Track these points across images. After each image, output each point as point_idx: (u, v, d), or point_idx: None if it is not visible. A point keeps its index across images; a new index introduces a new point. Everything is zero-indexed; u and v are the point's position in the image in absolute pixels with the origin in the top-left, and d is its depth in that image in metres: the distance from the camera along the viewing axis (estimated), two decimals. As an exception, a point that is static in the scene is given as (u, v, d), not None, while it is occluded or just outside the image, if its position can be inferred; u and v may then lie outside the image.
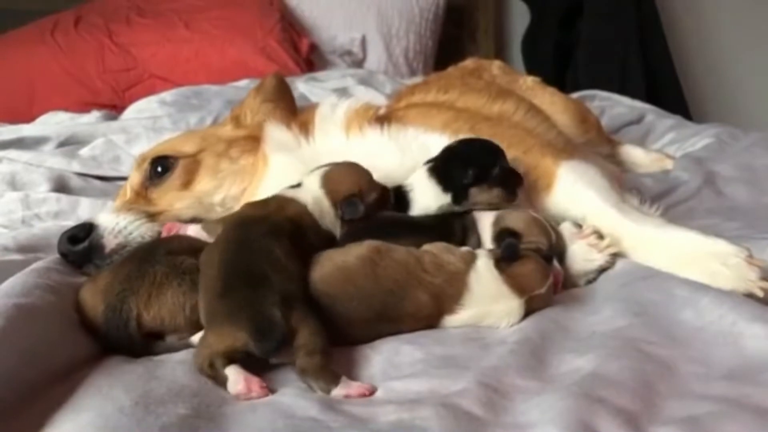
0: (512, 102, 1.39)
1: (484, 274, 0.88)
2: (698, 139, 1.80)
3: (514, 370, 0.73)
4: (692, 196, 1.43)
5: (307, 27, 2.79)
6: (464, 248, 0.93)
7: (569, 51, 3.10)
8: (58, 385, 0.71)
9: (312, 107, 1.26)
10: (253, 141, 1.17)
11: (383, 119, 1.19)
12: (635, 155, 1.80)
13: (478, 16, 3.29)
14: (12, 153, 1.61)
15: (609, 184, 1.12)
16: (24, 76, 2.37)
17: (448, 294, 0.87)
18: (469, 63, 1.84)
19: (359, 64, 2.76)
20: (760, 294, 0.88)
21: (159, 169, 1.12)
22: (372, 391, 0.72)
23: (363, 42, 2.80)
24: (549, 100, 1.68)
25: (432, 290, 0.86)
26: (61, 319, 0.80)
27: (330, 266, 0.87)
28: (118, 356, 0.80)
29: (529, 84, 1.75)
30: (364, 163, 1.02)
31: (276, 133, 1.16)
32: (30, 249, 1.09)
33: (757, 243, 1.01)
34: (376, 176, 1.01)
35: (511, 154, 1.06)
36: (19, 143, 1.70)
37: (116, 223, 1.02)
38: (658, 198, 1.44)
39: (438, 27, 2.97)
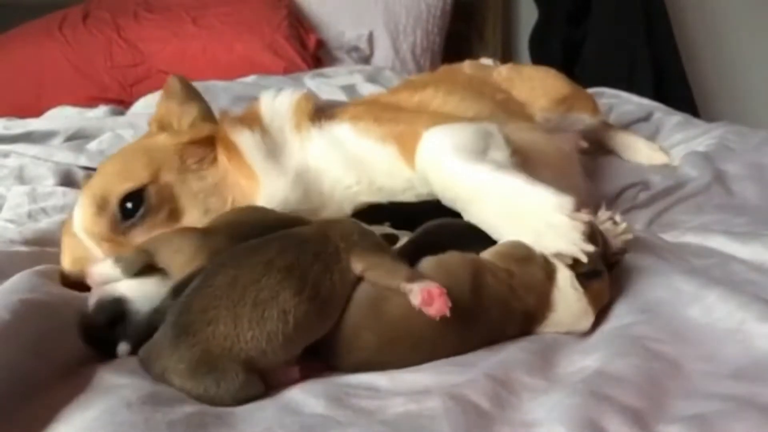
0: (430, 90, 1.33)
1: (567, 293, 0.79)
2: (707, 137, 1.79)
3: (521, 366, 0.73)
4: (701, 192, 1.42)
5: (314, 23, 2.79)
6: (540, 253, 0.82)
7: (577, 48, 3.09)
8: (66, 379, 0.71)
9: (251, 108, 1.18)
10: (198, 146, 1.04)
11: (321, 116, 1.13)
12: (632, 141, 1.77)
13: (486, 12, 3.28)
14: (20, 147, 1.61)
15: (479, 138, 1.01)
16: (32, 71, 2.38)
17: (534, 317, 0.79)
18: (441, 69, 1.84)
19: (366, 60, 2.76)
20: (584, 259, 0.80)
21: (129, 206, 0.93)
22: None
23: (370, 38, 2.80)
24: (528, 86, 1.62)
25: (522, 320, 0.79)
26: (68, 313, 0.80)
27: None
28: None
29: (504, 75, 1.68)
30: (318, 166, 1.04)
31: (249, 140, 1.06)
32: (35, 243, 1.09)
33: (765, 239, 1.01)
34: (328, 178, 1.04)
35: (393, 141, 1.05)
36: (27, 137, 1.71)
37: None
38: (666, 193, 1.43)
39: (445, 23, 2.96)
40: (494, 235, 0.89)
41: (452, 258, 0.79)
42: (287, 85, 2.04)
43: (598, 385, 0.67)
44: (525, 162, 1.03)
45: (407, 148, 1.03)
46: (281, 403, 0.67)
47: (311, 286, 0.71)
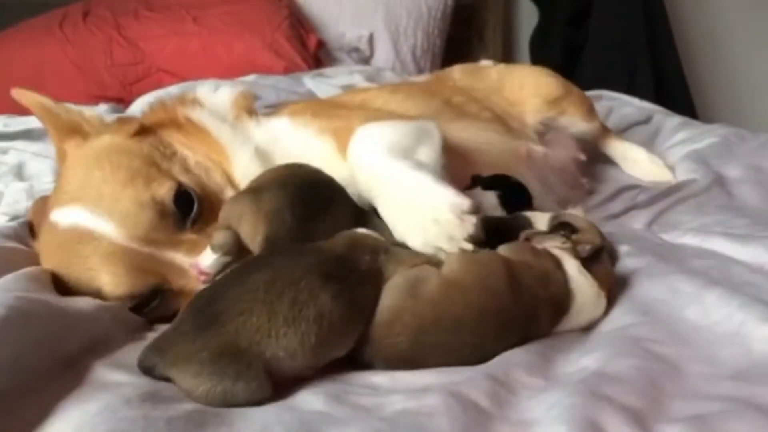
0: (374, 91, 1.33)
1: (579, 280, 0.81)
2: (707, 138, 1.79)
3: (521, 366, 0.73)
4: (701, 193, 1.42)
5: (315, 23, 2.79)
6: (540, 246, 0.84)
7: (578, 50, 3.09)
8: (65, 375, 0.71)
9: (185, 95, 1.13)
10: (148, 136, 1.00)
11: (261, 113, 1.13)
12: (634, 153, 1.67)
13: (486, 14, 3.28)
14: (19, 144, 1.61)
15: (411, 136, 1.00)
16: (32, 69, 2.37)
17: (561, 307, 0.80)
18: (432, 76, 1.82)
19: (367, 61, 2.76)
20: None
21: (179, 204, 0.89)
22: None
23: (371, 39, 2.80)
24: (518, 85, 1.58)
25: (551, 311, 0.79)
26: (67, 308, 0.79)
27: (473, 297, 0.74)
28: (125, 346, 0.79)
29: (494, 75, 1.63)
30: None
31: (208, 116, 1.04)
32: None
33: (765, 241, 1.00)
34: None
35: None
36: (26, 134, 1.70)
37: None
38: (666, 194, 1.43)
39: (446, 25, 2.96)
40: (392, 230, 0.88)
41: (478, 253, 0.80)
42: (287, 85, 2.04)
43: (597, 385, 0.67)
44: (464, 160, 1.01)
45: (343, 143, 1.00)
46: (279, 402, 0.67)
47: (348, 294, 0.72)
